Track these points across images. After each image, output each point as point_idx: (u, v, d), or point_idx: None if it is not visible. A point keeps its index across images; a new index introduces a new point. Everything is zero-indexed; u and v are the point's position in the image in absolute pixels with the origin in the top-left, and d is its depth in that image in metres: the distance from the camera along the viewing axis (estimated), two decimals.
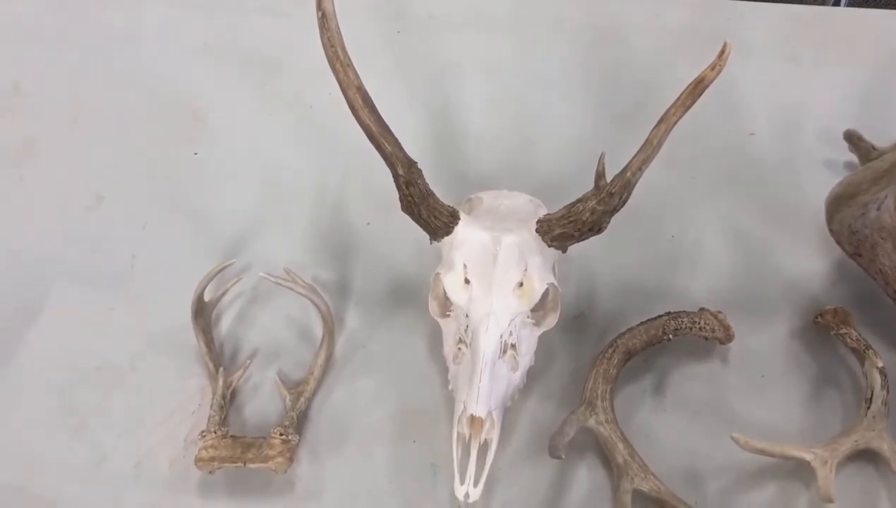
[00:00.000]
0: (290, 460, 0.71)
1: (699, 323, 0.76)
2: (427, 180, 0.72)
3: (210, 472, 0.70)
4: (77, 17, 1.05)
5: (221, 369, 0.76)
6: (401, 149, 0.70)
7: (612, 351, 0.74)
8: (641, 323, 0.75)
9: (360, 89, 0.68)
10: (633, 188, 0.67)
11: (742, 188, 0.91)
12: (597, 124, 0.97)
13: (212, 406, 0.74)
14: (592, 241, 0.71)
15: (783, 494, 0.71)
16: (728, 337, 0.76)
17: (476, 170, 0.93)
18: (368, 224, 0.88)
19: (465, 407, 0.65)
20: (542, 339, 0.73)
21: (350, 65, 0.68)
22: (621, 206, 0.68)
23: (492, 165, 0.93)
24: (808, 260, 0.85)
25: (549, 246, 0.71)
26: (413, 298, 0.82)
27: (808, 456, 0.68)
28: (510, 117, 0.98)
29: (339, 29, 0.68)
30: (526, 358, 0.71)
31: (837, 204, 0.69)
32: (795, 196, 0.89)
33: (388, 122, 0.70)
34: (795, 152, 0.94)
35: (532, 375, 0.74)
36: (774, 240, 0.87)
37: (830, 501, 0.65)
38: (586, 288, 0.83)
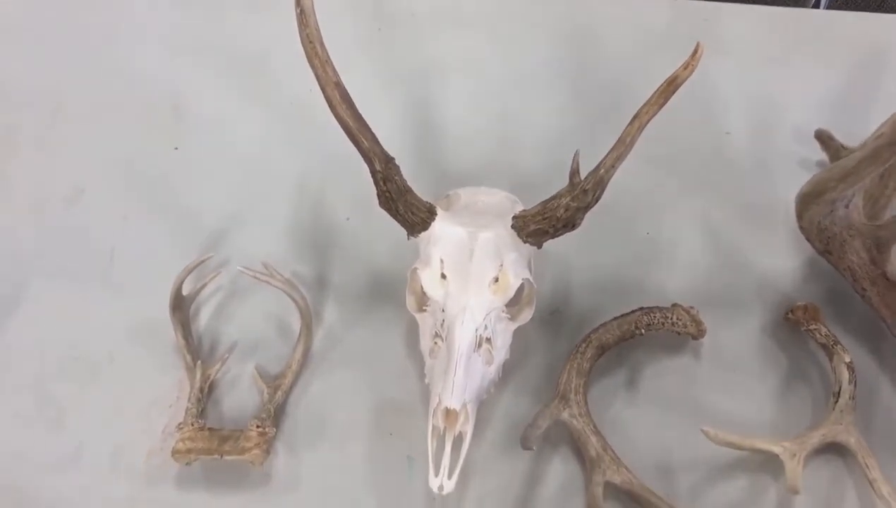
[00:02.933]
0: (267, 452, 0.71)
1: (671, 319, 0.77)
2: (406, 176, 0.72)
3: (187, 464, 0.71)
4: (58, 12, 1.05)
5: (199, 362, 0.76)
6: (378, 144, 0.70)
7: (585, 346, 0.74)
8: (615, 318, 0.76)
9: (339, 85, 0.69)
10: (606, 185, 0.68)
11: (717, 186, 0.92)
12: (576, 121, 0.98)
13: (189, 398, 0.74)
14: (568, 238, 0.72)
15: (753, 486, 0.72)
16: (700, 332, 0.77)
17: (455, 166, 0.93)
18: (348, 219, 0.89)
19: (440, 399, 0.66)
20: (518, 334, 0.73)
21: (329, 61, 0.69)
22: (595, 203, 0.69)
23: (471, 162, 0.94)
24: (780, 257, 0.86)
25: (525, 242, 0.72)
26: (391, 293, 0.82)
27: (776, 450, 0.69)
28: (490, 114, 0.99)
29: (317, 25, 0.68)
30: (501, 352, 0.71)
31: (806, 202, 0.70)
32: (769, 194, 0.91)
33: (368, 119, 0.70)
34: (770, 151, 0.95)
35: (507, 369, 0.75)
36: (748, 238, 0.88)
37: (797, 493, 0.67)
38: (562, 283, 0.84)
